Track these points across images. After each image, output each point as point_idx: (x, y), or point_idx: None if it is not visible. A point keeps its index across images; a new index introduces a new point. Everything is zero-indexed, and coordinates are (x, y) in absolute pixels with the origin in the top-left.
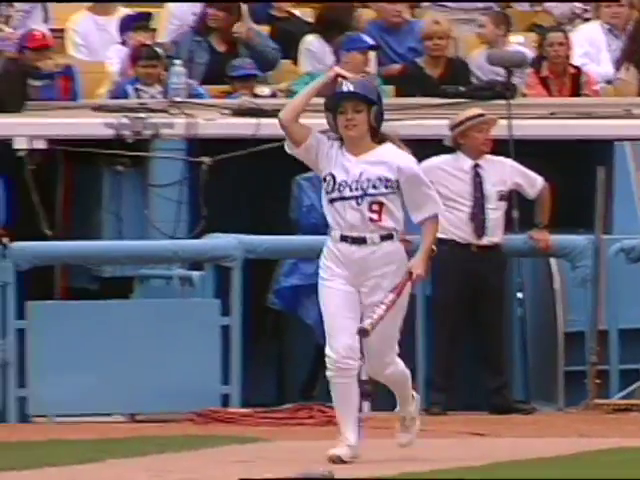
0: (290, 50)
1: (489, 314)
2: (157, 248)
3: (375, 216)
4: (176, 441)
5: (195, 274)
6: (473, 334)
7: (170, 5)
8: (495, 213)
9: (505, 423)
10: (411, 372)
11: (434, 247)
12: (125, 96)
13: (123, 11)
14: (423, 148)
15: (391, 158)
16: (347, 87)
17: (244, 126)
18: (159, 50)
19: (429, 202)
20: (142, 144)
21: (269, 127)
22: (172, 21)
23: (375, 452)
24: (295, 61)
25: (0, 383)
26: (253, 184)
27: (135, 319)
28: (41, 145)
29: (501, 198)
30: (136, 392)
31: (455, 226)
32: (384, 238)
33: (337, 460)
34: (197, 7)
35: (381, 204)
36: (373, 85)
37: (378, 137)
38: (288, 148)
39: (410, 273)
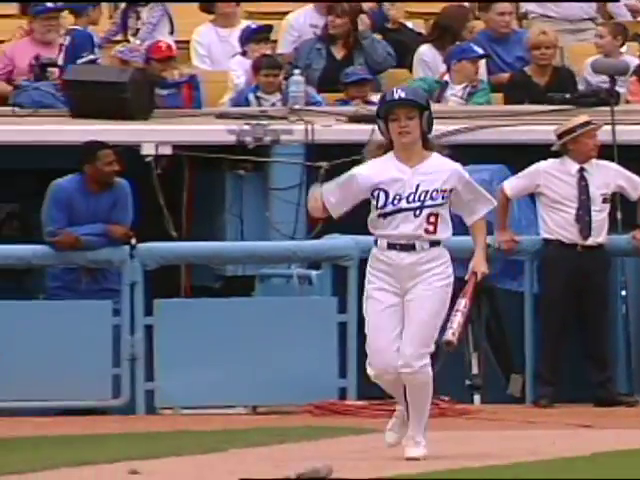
0: (403, 59)
1: (594, 311)
2: (277, 248)
3: (431, 228)
4: (296, 432)
5: (313, 273)
6: (579, 330)
7: (290, 17)
8: (600, 215)
9: (609, 415)
10: (520, 367)
11: (486, 270)
12: (247, 104)
13: (244, 23)
14: (529, 153)
15: (444, 168)
16: (398, 94)
17: (358, 132)
18: (279, 60)
19: (482, 202)
20: (263, 149)
21: None
22: (291, 32)
23: (483, 443)
24: (406, 69)
25: (129, 377)
26: None
27: (256, 316)
28: (167, 151)
29: (605, 200)
30: (257, 385)
31: (561, 227)
32: (433, 244)
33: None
34: (315, 19)
35: (437, 215)
36: (422, 91)
37: (428, 144)
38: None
39: (474, 273)
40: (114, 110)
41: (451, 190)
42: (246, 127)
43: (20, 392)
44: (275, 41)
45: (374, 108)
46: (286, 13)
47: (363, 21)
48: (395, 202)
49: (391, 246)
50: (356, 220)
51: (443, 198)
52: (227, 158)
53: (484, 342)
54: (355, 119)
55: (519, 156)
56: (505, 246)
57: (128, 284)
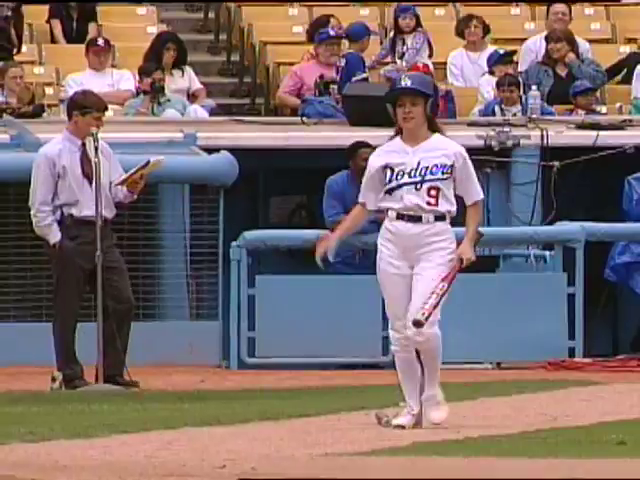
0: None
1: None
2: (517, 233)
3: (433, 200)
4: (533, 384)
5: (547, 253)
6: None
7: (528, 42)
8: None
9: None
10: None
11: (480, 231)
12: (492, 114)
13: (491, 48)
14: None
15: (446, 145)
16: (405, 83)
17: (585, 137)
18: (519, 78)
19: (475, 188)
20: (505, 152)
21: (605, 138)
22: (529, 54)
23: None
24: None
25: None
26: (592, 182)
27: (501, 288)
28: None
29: None
30: (501, 345)
31: None
32: (438, 218)
33: (400, 428)
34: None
35: (438, 189)
36: (429, 79)
37: (433, 126)
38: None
39: (460, 259)
40: (383, 119)
41: (451, 166)
42: (492, 133)
43: (308, 350)
44: (516, 62)
45: (598, 117)
46: (526, 39)
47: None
48: (398, 178)
49: (400, 216)
50: (582, 210)
51: (443, 173)
52: (476, 159)
53: None
54: (582, 126)
55: None
56: None
57: None
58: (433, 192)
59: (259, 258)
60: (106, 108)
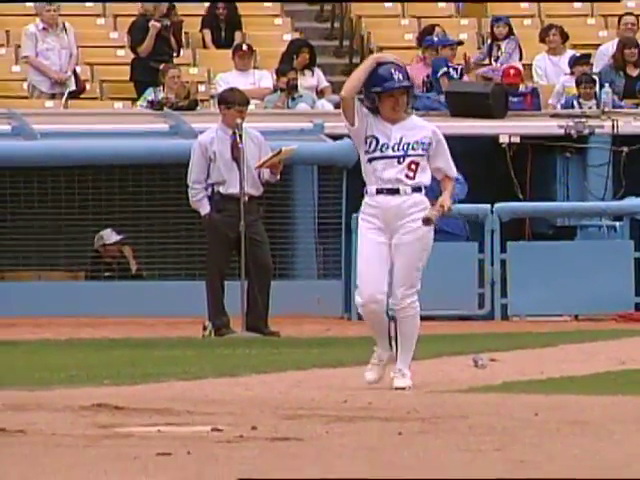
0: None
1: None
2: (592, 207)
3: (411, 174)
4: (604, 333)
5: (617, 224)
6: None
7: (602, 47)
8: None
9: None
10: None
11: (450, 206)
12: (572, 107)
13: (569, 52)
14: None
15: (424, 125)
16: (400, 83)
17: None
18: (595, 77)
19: (450, 165)
20: (583, 139)
21: None
22: (603, 57)
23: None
24: None
25: (490, 294)
26: None
27: (578, 254)
28: (516, 140)
29: None
30: (578, 300)
31: None
32: (414, 190)
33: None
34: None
35: (417, 164)
36: (407, 69)
37: (407, 109)
38: (347, 128)
39: (442, 207)
40: (480, 111)
41: (429, 144)
42: (571, 123)
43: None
44: (592, 64)
45: None
46: (600, 45)
47: None
48: (383, 149)
49: (379, 191)
50: None
51: (422, 150)
52: (557, 145)
53: None
54: None
55: None
56: None
57: (489, 231)
58: (413, 166)
59: None
60: (248, 102)
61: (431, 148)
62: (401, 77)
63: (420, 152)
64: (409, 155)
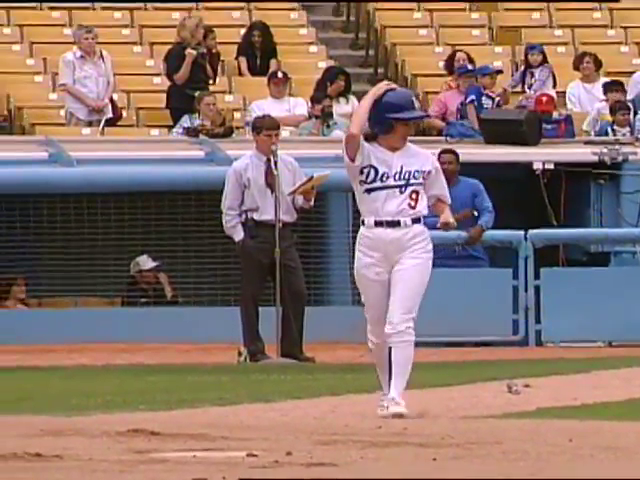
0: None
1: None
2: (626, 233)
3: (413, 203)
4: (638, 359)
5: None
6: None
7: (635, 75)
8: None
9: None
10: None
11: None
12: (606, 134)
13: (602, 79)
14: None
15: (423, 152)
16: (418, 113)
17: None
18: (629, 104)
19: (447, 192)
20: (616, 166)
21: None
22: (637, 85)
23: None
24: None
25: (524, 320)
26: None
27: (613, 280)
28: (550, 166)
29: None
30: (613, 327)
31: None
32: (414, 221)
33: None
34: None
35: (418, 192)
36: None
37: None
38: (347, 163)
39: (445, 224)
40: (515, 138)
41: (429, 172)
42: (604, 150)
43: (450, 330)
44: (625, 91)
45: None
46: (634, 72)
47: None
48: (383, 179)
49: (378, 223)
50: None
51: (423, 178)
52: (591, 172)
53: None
54: None
55: None
56: None
57: (523, 258)
58: (414, 195)
59: None
60: (278, 127)
61: (430, 176)
62: (421, 112)
63: (421, 180)
64: (411, 184)
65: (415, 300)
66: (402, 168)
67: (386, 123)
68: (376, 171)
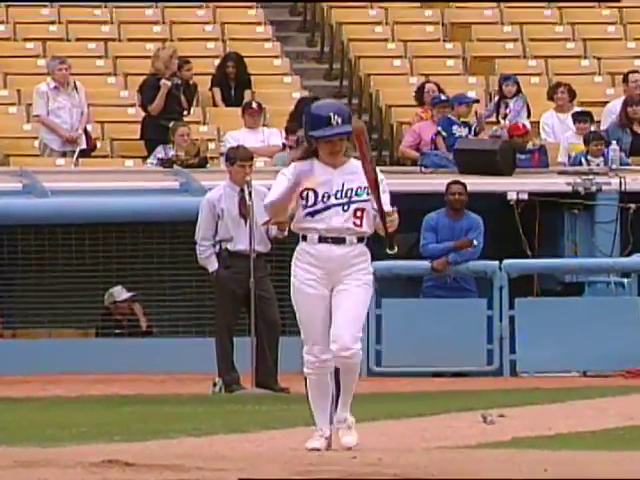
0: None
1: None
2: (600, 263)
3: (358, 221)
4: (613, 390)
5: (625, 280)
6: None
7: (609, 105)
8: None
9: None
10: None
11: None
12: (579, 164)
13: (576, 109)
14: None
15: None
16: (343, 129)
17: None
18: (603, 134)
19: (388, 201)
20: (590, 196)
21: None
22: (610, 115)
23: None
24: None
25: (499, 350)
26: None
27: (586, 310)
28: (524, 196)
29: None
30: (587, 357)
31: None
32: (360, 240)
33: (315, 450)
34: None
35: (362, 210)
36: (349, 111)
37: (346, 152)
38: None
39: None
40: (489, 168)
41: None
42: (578, 180)
43: (425, 360)
44: (598, 122)
45: None
46: (607, 102)
47: None
48: (324, 200)
49: (322, 239)
50: None
51: (367, 194)
52: (565, 202)
53: None
54: None
55: None
56: None
57: (498, 287)
58: (359, 213)
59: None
60: (251, 158)
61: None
62: (340, 121)
63: (365, 197)
64: (353, 202)
65: (362, 320)
66: (344, 185)
67: (309, 141)
68: (315, 194)
